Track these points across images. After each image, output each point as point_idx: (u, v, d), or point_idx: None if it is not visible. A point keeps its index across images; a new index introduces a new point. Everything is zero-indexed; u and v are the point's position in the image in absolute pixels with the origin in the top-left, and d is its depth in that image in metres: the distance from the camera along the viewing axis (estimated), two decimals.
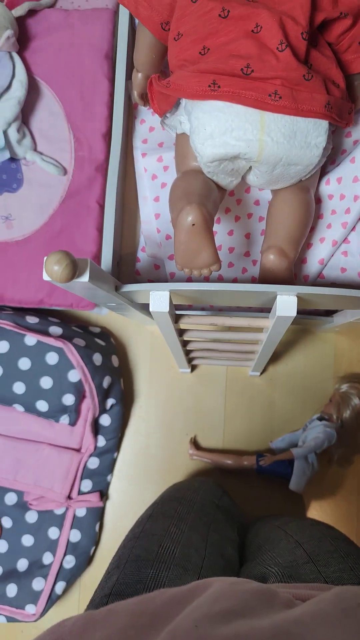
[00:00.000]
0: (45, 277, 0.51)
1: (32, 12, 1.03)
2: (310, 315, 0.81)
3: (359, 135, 0.69)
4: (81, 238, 0.96)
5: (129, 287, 0.60)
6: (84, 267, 0.51)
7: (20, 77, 0.97)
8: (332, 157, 0.69)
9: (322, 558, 0.54)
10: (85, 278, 0.51)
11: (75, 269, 0.50)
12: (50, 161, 0.96)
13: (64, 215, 0.96)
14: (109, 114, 0.97)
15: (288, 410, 0.98)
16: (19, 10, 0.99)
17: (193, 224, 0.54)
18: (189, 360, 0.88)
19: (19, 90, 0.97)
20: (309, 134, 0.57)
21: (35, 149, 0.98)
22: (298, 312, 0.55)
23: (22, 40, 1.01)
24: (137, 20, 0.66)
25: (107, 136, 0.97)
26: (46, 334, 0.94)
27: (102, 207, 0.96)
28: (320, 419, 0.93)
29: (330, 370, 0.98)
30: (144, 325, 0.91)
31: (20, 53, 1.00)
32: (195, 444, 0.97)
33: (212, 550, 0.59)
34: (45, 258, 0.50)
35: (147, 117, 0.72)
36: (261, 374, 0.97)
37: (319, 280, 0.67)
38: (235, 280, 0.67)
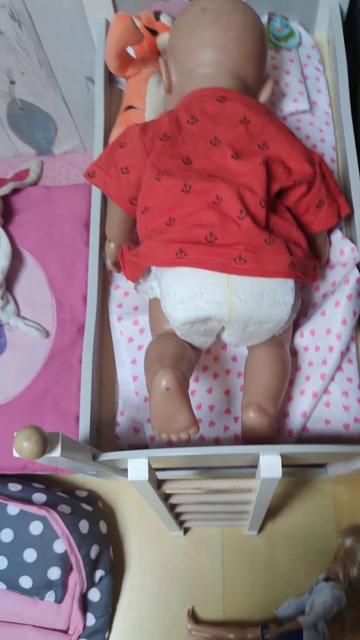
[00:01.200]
0: (15, 454, 0.49)
1: (16, 190, 1.11)
2: (302, 467, 0.78)
3: (327, 288, 0.71)
4: (65, 399, 0.95)
5: (107, 456, 0.58)
6: (55, 441, 0.49)
7: (4, 247, 1.03)
8: (303, 310, 0.71)
9: None
10: (56, 453, 0.49)
11: (45, 445, 0.48)
12: (33, 325, 0.98)
13: (46, 377, 0.96)
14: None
15: (291, 571, 0.91)
16: (4, 190, 1.07)
17: (167, 388, 0.54)
18: (180, 523, 0.83)
19: (2, 260, 1.01)
20: (276, 293, 0.59)
21: (18, 314, 1.01)
22: (287, 466, 0.52)
23: (7, 215, 1.08)
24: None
25: None
26: (29, 502, 0.90)
27: None
28: (327, 579, 0.86)
29: (332, 523, 0.93)
30: (132, 485, 0.87)
31: (5, 227, 1.06)
32: (193, 616, 0.89)
33: None
34: (15, 434, 0.49)
35: (122, 283, 0.75)
36: (259, 532, 0.91)
37: (304, 434, 0.65)
38: (217, 440, 0.65)
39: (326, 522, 0.92)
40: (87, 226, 1.06)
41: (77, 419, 0.93)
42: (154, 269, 0.64)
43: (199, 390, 0.67)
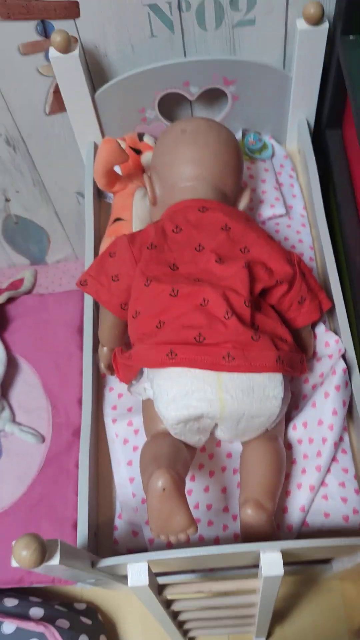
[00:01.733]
0: (14, 563, 0.49)
1: (11, 299, 1.14)
2: (305, 564, 0.76)
3: (316, 380, 0.73)
4: (61, 505, 0.93)
5: (106, 562, 0.57)
6: (54, 548, 0.49)
7: (0, 356, 1.05)
8: (294, 403, 0.72)
9: None
10: (55, 561, 0.49)
11: (44, 552, 0.48)
12: (29, 431, 0.99)
13: (43, 483, 0.95)
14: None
15: None
16: (0, 299, 1.11)
17: (164, 489, 0.54)
18: (184, 633, 0.80)
19: None
20: (266, 387, 0.61)
21: (14, 420, 1.01)
22: (290, 564, 0.52)
23: (2, 322, 1.11)
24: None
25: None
26: (26, 617, 0.86)
27: None
28: None
29: (343, 624, 0.89)
30: (133, 595, 0.84)
31: (0, 334, 1.09)
32: None
33: None
34: (13, 543, 0.49)
35: (116, 385, 0.77)
36: (267, 638, 0.87)
37: (304, 529, 0.65)
38: (217, 540, 0.65)
39: (337, 623, 0.89)
40: (80, 331, 1.09)
41: (74, 525, 0.92)
42: (146, 370, 0.66)
43: (196, 489, 0.67)
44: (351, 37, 0.80)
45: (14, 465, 0.98)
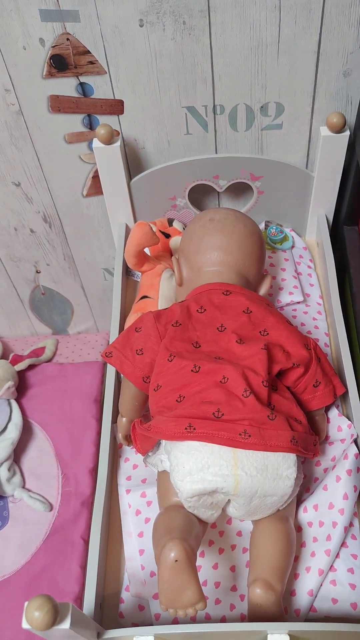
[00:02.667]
0: (25, 624, 0.49)
1: (31, 366, 1.18)
2: None
3: (327, 463, 0.74)
4: (64, 577, 0.93)
5: (112, 633, 0.57)
6: (65, 612, 0.50)
7: (16, 420, 1.07)
8: (306, 485, 0.73)
9: None
10: (66, 624, 0.49)
11: (56, 615, 0.48)
12: (38, 498, 0.99)
13: (47, 553, 0.95)
14: (95, 451, 1.04)
15: None
16: (21, 366, 1.15)
17: (176, 560, 0.55)
18: None
19: (13, 432, 1.05)
20: (279, 467, 0.62)
21: (23, 486, 1.02)
22: None
23: (21, 388, 1.14)
24: (122, 375, 0.77)
25: (94, 472, 1.03)
26: None
27: (86, 542, 0.95)
28: None
29: None
30: None
31: (18, 399, 1.11)
32: None
33: None
34: (26, 604, 0.49)
35: (131, 456, 0.78)
36: None
37: (311, 615, 0.64)
38: (223, 619, 0.64)
39: None
40: (96, 401, 1.12)
41: (76, 600, 0.91)
42: (163, 442, 0.68)
43: (205, 565, 0.68)
44: None
45: (19, 533, 0.98)
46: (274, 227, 1.00)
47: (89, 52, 0.84)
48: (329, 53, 0.84)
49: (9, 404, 1.09)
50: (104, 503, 0.71)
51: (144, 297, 0.89)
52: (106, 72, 0.86)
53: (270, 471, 0.62)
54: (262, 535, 0.65)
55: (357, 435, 0.74)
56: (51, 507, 1.00)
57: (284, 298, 0.92)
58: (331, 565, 0.67)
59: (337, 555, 0.67)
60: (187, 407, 0.65)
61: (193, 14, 0.79)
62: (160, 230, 0.95)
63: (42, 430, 1.09)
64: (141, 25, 0.81)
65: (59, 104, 0.90)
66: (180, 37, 0.82)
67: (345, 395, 0.80)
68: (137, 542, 0.70)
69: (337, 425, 0.76)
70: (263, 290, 0.83)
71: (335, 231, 1.02)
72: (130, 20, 0.80)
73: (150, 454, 0.70)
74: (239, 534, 0.71)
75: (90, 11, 0.79)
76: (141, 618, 0.65)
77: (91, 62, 0.85)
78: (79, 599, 0.91)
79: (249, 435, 0.62)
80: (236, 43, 0.83)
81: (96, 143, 0.89)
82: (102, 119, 0.92)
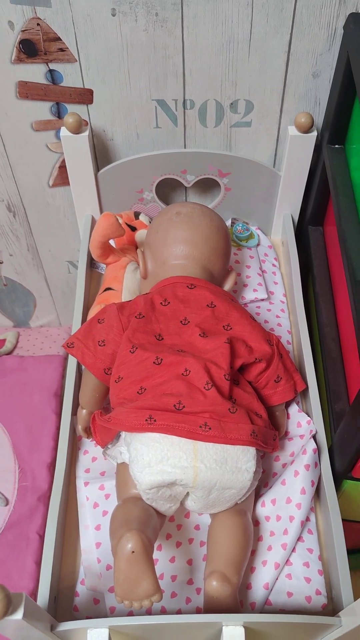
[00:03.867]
0: None
1: None
2: None
3: (286, 459, 0.75)
4: (18, 573, 0.91)
5: (66, 626, 0.56)
6: (18, 602, 0.49)
7: None
8: (264, 480, 0.73)
9: None
10: (19, 615, 0.48)
11: (8, 604, 0.47)
12: None
13: (1, 548, 0.93)
14: (54, 446, 1.03)
15: None
16: None
17: (133, 551, 0.54)
18: None
19: None
20: (239, 460, 0.62)
21: None
22: None
23: None
24: (83, 366, 0.76)
25: (52, 466, 1.01)
26: None
27: (42, 538, 0.94)
28: None
29: None
30: None
31: None
32: None
33: None
34: None
35: (90, 448, 0.77)
36: None
37: (267, 608, 0.64)
38: (179, 612, 0.64)
39: None
40: (57, 395, 1.10)
41: (30, 596, 0.89)
42: (123, 434, 0.67)
43: (162, 559, 0.67)
44: (336, 146, 0.88)
45: None
46: (240, 225, 1.01)
47: (59, 38, 0.83)
48: (299, 53, 0.85)
49: None
50: (61, 495, 0.70)
51: (108, 289, 0.88)
52: (76, 60, 0.85)
53: (229, 464, 0.62)
54: (220, 529, 0.65)
55: (316, 431, 0.75)
56: (7, 502, 0.98)
57: (248, 295, 0.93)
58: (287, 559, 0.67)
59: (294, 550, 0.68)
60: (148, 399, 0.64)
61: (166, 6, 0.79)
62: (126, 223, 0.94)
63: (0, 423, 1.07)
64: (113, 15, 0.80)
65: (27, 91, 0.88)
66: (152, 29, 0.82)
67: (305, 392, 0.80)
68: (93, 535, 0.69)
69: (297, 421, 0.77)
70: (228, 285, 0.83)
71: (300, 231, 1.03)
72: (103, 9, 0.79)
73: (109, 446, 0.70)
74: (197, 527, 0.70)
75: None
76: (96, 612, 0.65)
77: (61, 50, 0.84)
78: (33, 595, 0.89)
79: (209, 428, 0.62)
80: (208, 38, 0.83)
81: (64, 132, 0.88)
82: (71, 108, 0.91)
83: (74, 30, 0.82)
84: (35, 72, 0.86)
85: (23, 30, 0.81)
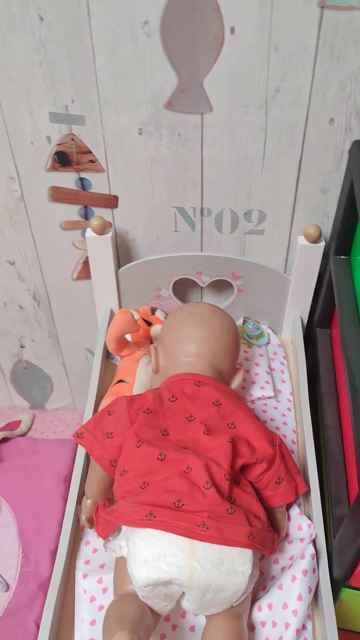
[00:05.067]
0: None
1: (5, 439, 1.18)
2: None
3: (285, 562, 0.74)
4: None
5: None
6: None
7: None
8: (262, 583, 0.73)
9: None
10: None
11: None
12: None
13: None
14: (59, 532, 1.02)
15: None
16: None
17: None
18: None
19: None
20: (235, 562, 0.63)
21: None
22: None
23: None
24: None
25: (55, 553, 1.01)
26: None
27: (39, 628, 0.92)
28: None
29: None
30: None
31: None
32: None
33: None
34: None
35: (92, 539, 0.78)
36: None
37: None
38: None
39: None
40: (66, 480, 1.11)
41: None
42: (124, 528, 0.68)
43: None
44: (342, 257, 0.94)
45: None
46: (252, 324, 1.05)
47: (90, 152, 0.91)
48: (309, 171, 0.92)
49: None
50: (60, 587, 0.71)
51: (120, 381, 0.92)
52: (105, 171, 0.93)
53: (225, 565, 0.63)
54: (214, 633, 0.65)
55: (316, 536, 0.75)
56: (7, 587, 0.97)
57: (256, 392, 0.95)
58: None
59: None
60: (149, 495, 0.66)
61: (188, 128, 0.88)
62: (142, 318, 0.99)
63: (8, 505, 1.08)
64: (140, 134, 0.88)
65: (58, 195, 0.96)
66: (175, 146, 0.90)
67: (307, 494, 0.81)
68: (88, 631, 0.69)
69: (298, 523, 0.77)
70: (235, 383, 0.86)
71: (309, 332, 1.07)
72: (131, 129, 0.88)
73: (110, 538, 0.71)
74: (192, 629, 0.70)
75: (95, 118, 0.87)
76: None
77: (92, 161, 0.92)
78: None
79: (207, 528, 0.63)
80: (225, 156, 0.90)
81: (89, 232, 0.95)
82: (97, 211, 0.98)
83: (104, 146, 0.90)
84: (66, 179, 0.95)
85: (59, 144, 0.90)
